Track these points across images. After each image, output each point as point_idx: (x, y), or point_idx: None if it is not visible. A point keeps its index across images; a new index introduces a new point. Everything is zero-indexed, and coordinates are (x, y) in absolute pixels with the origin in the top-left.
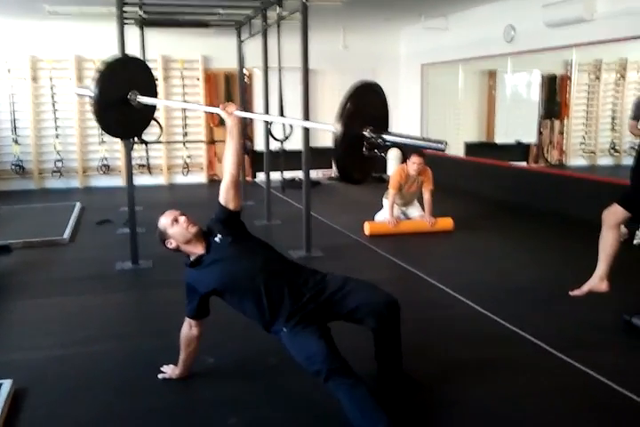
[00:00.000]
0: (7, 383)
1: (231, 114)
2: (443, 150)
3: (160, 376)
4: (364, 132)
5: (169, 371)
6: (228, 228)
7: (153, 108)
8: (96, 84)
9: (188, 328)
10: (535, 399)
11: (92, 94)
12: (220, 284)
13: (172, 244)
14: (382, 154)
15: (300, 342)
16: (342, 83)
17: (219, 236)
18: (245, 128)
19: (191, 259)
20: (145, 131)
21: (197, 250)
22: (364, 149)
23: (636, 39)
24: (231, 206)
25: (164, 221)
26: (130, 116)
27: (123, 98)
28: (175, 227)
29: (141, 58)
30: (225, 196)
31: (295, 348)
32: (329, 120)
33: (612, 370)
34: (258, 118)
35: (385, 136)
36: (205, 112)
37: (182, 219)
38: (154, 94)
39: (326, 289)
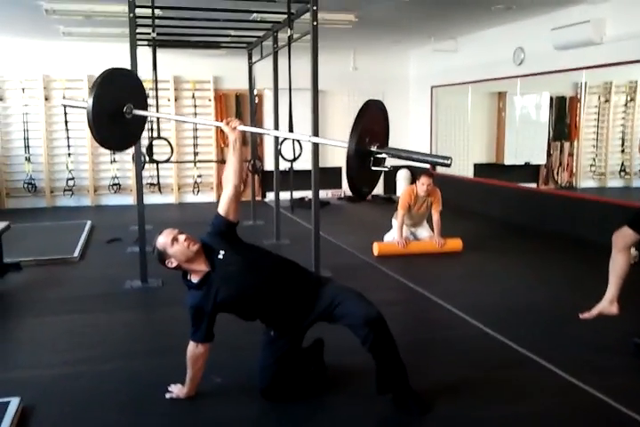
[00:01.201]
0: (15, 401)
1: (234, 129)
2: (448, 166)
3: (167, 396)
4: (372, 148)
5: (176, 390)
6: (228, 242)
7: (143, 121)
8: (93, 96)
9: (194, 347)
10: (542, 422)
11: (87, 105)
12: (231, 299)
13: (172, 263)
14: (389, 168)
15: (264, 345)
16: (352, 103)
17: (222, 252)
18: (256, 148)
19: (193, 279)
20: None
21: (201, 267)
22: (371, 165)
23: None
24: (231, 218)
25: (163, 240)
26: (122, 129)
27: (118, 110)
28: (175, 246)
29: (154, 78)
30: (226, 208)
31: (262, 349)
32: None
33: (620, 393)
34: (262, 133)
35: (393, 152)
36: (214, 127)
37: (182, 237)
38: (145, 107)
39: (317, 303)
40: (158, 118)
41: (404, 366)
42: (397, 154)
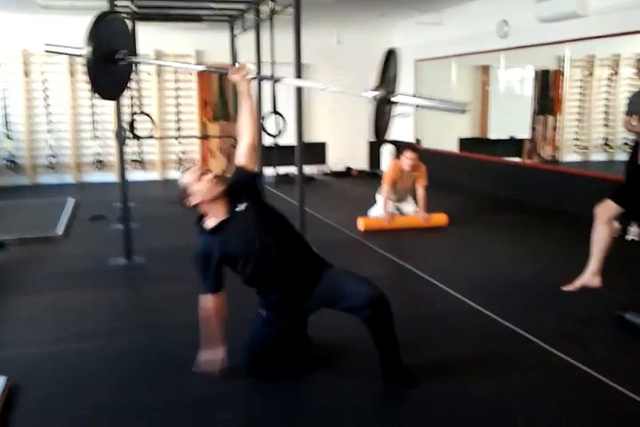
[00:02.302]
0: (1, 380)
1: (244, 77)
2: (464, 112)
3: (202, 370)
4: (390, 97)
5: (210, 357)
6: (250, 196)
7: (130, 69)
8: (89, 41)
9: (205, 301)
10: (528, 395)
11: (85, 52)
12: (237, 253)
13: (193, 201)
14: (409, 115)
15: (255, 323)
16: (335, 77)
17: (242, 205)
18: None
19: (208, 224)
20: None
21: (219, 213)
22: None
23: (629, 35)
24: (251, 169)
25: (189, 177)
26: (115, 76)
27: (111, 56)
28: (200, 183)
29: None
30: (244, 159)
31: (251, 328)
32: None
33: (604, 365)
34: (277, 81)
35: (409, 99)
36: (197, 102)
37: (209, 176)
38: (133, 53)
39: (318, 286)
40: (140, 94)
41: (398, 343)
42: (415, 102)
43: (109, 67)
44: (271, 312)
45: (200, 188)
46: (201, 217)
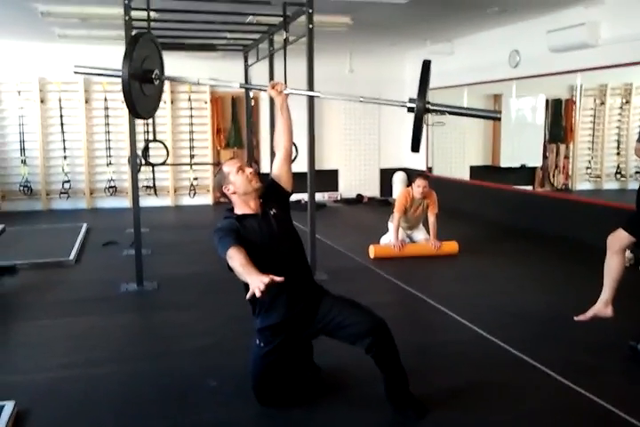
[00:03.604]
0: (9, 405)
1: (280, 93)
2: (498, 119)
3: (248, 297)
4: (429, 106)
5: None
6: (280, 207)
7: (162, 89)
8: (128, 61)
9: (228, 257)
10: (538, 424)
11: (119, 73)
12: (262, 244)
13: (229, 189)
14: (443, 124)
15: (254, 353)
16: (347, 106)
17: (274, 210)
18: (252, 152)
19: (237, 213)
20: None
21: (250, 207)
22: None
23: None
24: (283, 183)
25: (230, 166)
26: (149, 95)
27: (146, 76)
28: (240, 175)
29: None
30: (278, 173)
31: (251, 352)
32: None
33: (615, 396)
34: (309, 95)
35: (447, 109)
36: (210, 130)
37: (250, 170)
38: (163, 73)
39: (319, 310)
40: (154, 121)
41: (404, 370)
42: (451, 111)
43: (145, 86)
44: (268, 343)
45: (237, 179)
46: (232, 208)
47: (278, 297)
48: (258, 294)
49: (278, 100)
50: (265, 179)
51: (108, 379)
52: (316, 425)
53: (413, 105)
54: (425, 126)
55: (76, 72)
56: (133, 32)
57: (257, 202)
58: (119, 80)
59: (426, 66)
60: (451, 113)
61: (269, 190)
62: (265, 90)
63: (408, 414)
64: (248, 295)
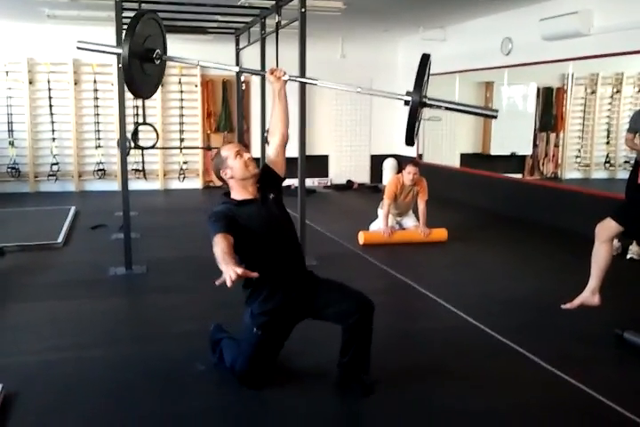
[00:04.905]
0: None
1: (279, 79)
2: (495, 117)
3: (218, 283)
4: (425, 100)
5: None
6: (274, 192)
7: (163, 68)
8: (129, 38)
9: (221, 238)
10: (524, 413)
11: (121, 51)
12: (261, 230)
13: (227, 174)
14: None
15: (248, 339)
16: (339, 91)
17: (272, 195)
18: (242, 136)
19: (235, 198)
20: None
21: (248, 192)
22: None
23: (633, 54)
24: (277, 169)
25: (228, 150)
26: (149, 74)
27: (147, 55)
28: (238, 160)
29: None
30: (274, 158)
31: (243, 337)
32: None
33: (602, 384)
34: (309, 83)
35: (444, 104)
36: (200, 112)
37: (247, 155)
38: (165, 53)
39: (311, 294)
40: (144, 104)
41: (369, 356)
42: (448, 106)
43: (145, 65)
44: (262, 329)
45: (235, 163)
46: (228, 192)
47: (276, 282)
48: (228, 284)
49: (276, 85)
50: (257, 164)
51: (96, 362)
52: (305, 408)
53: (409, 98)
54: (421, 120)
55: (78, 48)
56: (124, 13)
57: (255, 187)
58: (110, 62)
59: (424, 60)
60: (447, 108)
61: (264, 175)
62: (264, 75)
63: (354, 391)
64: (218, 282)
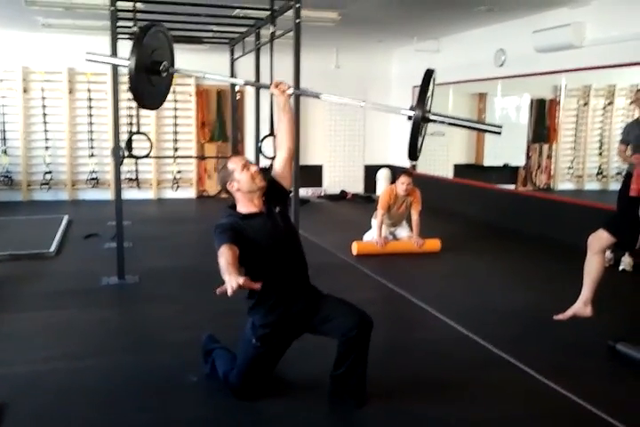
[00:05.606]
0: None
1: (283, 92)
2: (499, 133)
3: (218, 292)
4: (428, 115)
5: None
6: (281, 204)
7: (170, 81)
8: (135, 51)
9: (226, 249)
10: (515, 423)
11: (128, 63)
12: (267, 243)
13: (234, 187)
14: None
15: (246, 350)
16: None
17: (278, 208)
18: (236, 146)
19: (240, 210)
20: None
21: (254, 205)
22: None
23: (625, 66)
24: (283, 182)
25: (235, 163)
26: (156, 86)
27: (154, 68)
28: (245, 173)
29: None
30: (280, 172)
31: (241, 348)
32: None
33: (595, 396)
34: (312, 96)
35: (448, 120)
36: (195, 121)
37: (254, 168)
38: (173, 65)
39: (312, 310)
40: (138, 113)
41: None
42: (451, 121)
43: (152, 77)
44: (262, 341)
45: (241, 177)
46: (234, 205)
47: (280, 295)
48: (229, 293)
49: (281, 99)
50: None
51: (87, 373)
52: (299, 419)
53: (412, 113)
54: (424, 135)
55: (87, 59)
56: (119, 22)
57: (261, 200)
58: (104, 71)
59: (428, 74)
60: (450, 124)
61: (270, 189)
62: (268, 87)
63: (347, 403)
64: (219, 290)
